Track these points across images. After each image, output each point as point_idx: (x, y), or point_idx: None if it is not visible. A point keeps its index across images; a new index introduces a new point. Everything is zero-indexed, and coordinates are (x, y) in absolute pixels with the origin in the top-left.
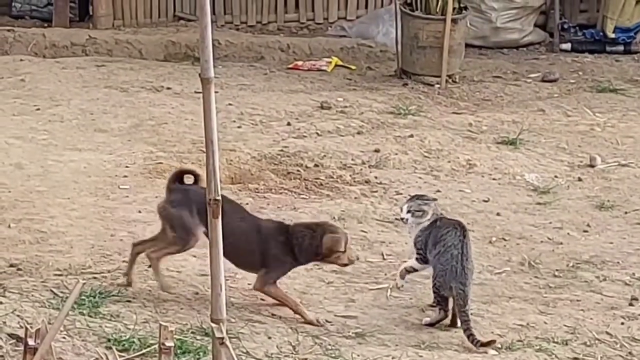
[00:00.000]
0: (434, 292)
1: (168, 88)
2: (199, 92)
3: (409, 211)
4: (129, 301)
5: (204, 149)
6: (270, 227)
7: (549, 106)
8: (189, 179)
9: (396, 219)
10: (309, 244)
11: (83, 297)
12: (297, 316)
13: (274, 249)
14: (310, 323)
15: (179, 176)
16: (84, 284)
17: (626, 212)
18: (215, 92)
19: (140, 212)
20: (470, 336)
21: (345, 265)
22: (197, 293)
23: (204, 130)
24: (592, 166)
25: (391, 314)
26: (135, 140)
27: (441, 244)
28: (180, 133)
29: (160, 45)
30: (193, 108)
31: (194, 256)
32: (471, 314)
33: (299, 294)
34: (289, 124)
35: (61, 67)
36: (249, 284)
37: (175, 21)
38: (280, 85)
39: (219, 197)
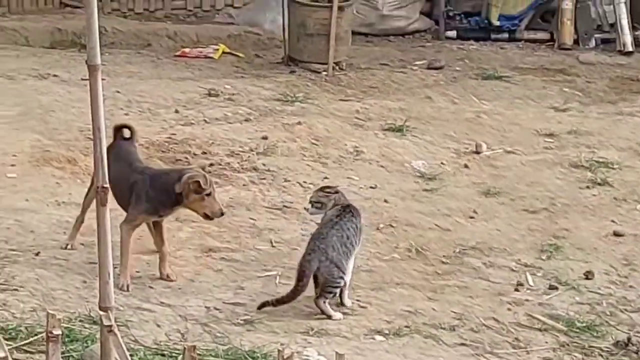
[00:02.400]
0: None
1: (55, 75)
2: (86, 79)
3: (310, 202)
4: (16, 289)
5: (92, 137)
6: (141, 168)
7: (435, 93)
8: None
9: (305, 208)
10: (165, 183)
11: None
12: (186, 304)
13: (137, 190)
14: (120, 287)
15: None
16: None
17: (512, 199)
18: (103, 79)
19: (27, 200)
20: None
21: (208, 217)
22: (85, 281)
23: (91, 117)
24: (477, 153)
25: None
26: (22, 128)
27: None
28: (68, 121)
29: (46, 33)
30: (80, 95)
31: (82, 244)
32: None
33: (187, 281)
34: (176, 111)
35: None
36: (137, 272)
37: (61, 8)
38: (167, 72)
39: (107, 185)
